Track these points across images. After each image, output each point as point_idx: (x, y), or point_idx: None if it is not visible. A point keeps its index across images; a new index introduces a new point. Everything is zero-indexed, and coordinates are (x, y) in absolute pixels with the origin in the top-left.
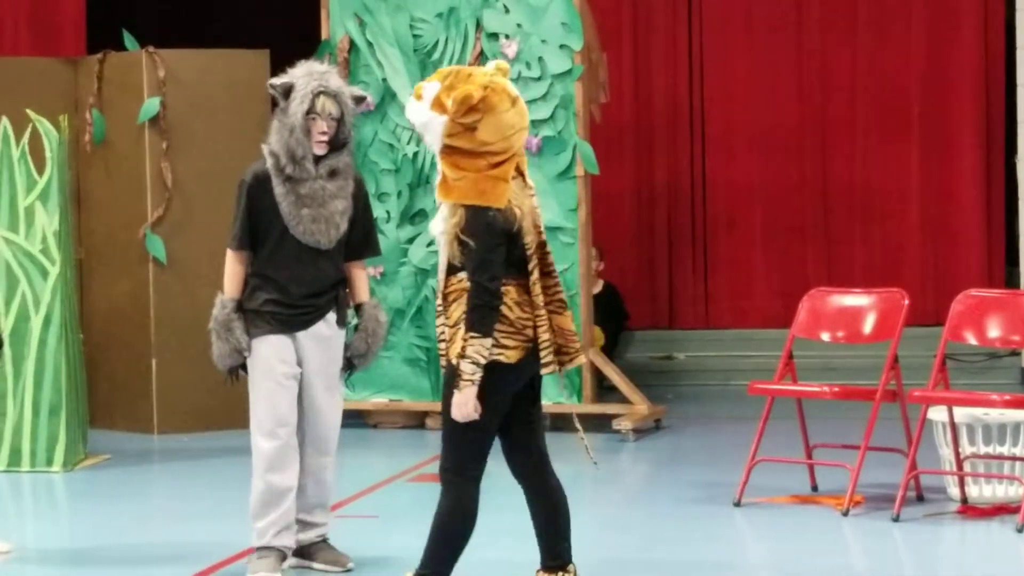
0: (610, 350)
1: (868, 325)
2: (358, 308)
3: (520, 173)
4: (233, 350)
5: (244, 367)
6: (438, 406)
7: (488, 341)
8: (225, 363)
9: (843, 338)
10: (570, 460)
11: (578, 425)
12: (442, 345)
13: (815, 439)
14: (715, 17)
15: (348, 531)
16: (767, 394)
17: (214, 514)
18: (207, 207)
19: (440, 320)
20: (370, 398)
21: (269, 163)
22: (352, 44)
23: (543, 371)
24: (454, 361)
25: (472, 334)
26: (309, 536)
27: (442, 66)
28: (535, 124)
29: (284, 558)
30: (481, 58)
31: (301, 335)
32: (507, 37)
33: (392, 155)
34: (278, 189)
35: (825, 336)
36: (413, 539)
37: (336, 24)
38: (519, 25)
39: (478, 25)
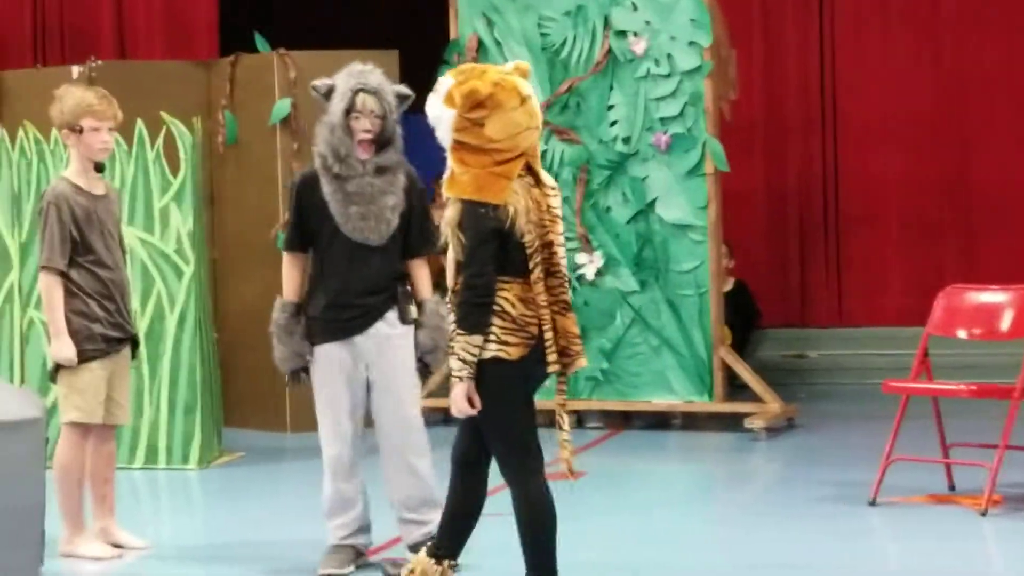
0: (741, 348)
1: (1006, 322)
2: (419, 305)
3: (533, 172)
4: (294, 354)
5: (307, 370)
6: (575, 404)
7: (476, 338)
8: (287, 366)
9: (980, 335)
10: (702, 459)
11: (565, 427)
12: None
13: (952, 438)
14: (847, 10)
15: (477, 529)
16: (902, 392)
17: None
18: None
19: (451, 318)
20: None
21: (317, 163)
22: (480, 43)
23: (548, 370)
24: None
25: (459, 331)
26: (421, 532)
27: (570, 64)
28: (664, 121)
29: (359, 555)
30: (609, 56)
31: (361, 339)
32: (635, 35)
33: None
34: (326, 188)
35: (961, 334)
36: None
37: (464, 24)
38: (647, 22)
39: (606, 23)
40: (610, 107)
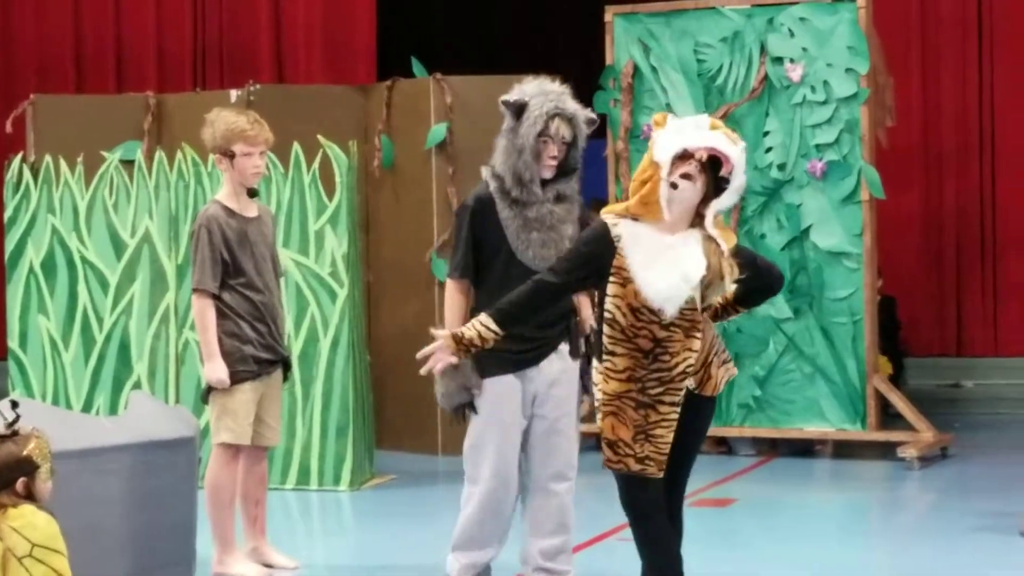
0: (893, 369)
1: None
2: (586, 339)
3: None
4: (461, 387)
5: (472, 405)
6: (727, 432)
7: None
8: (453, 402)
9: None
10: (855, 488)
11: None
12: (689, 381)
13: None
14: (1006, 37)
15: (631, 554)
16: None
17: None
18: None
19: (687, 356)
20: None
21: (493, 186)
22: (636, 69)
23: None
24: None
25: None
26: None
27: (726, 90)
28: (820, 148)
29: None
30: (765, 82)
31: (533, 372)
32: (792, 61)
33: None
34: (504, 213)
35: None
36: (695, 562)
37: (620, 50)
38: (804, 49)
39: (763, 49)
40: (766, 133)
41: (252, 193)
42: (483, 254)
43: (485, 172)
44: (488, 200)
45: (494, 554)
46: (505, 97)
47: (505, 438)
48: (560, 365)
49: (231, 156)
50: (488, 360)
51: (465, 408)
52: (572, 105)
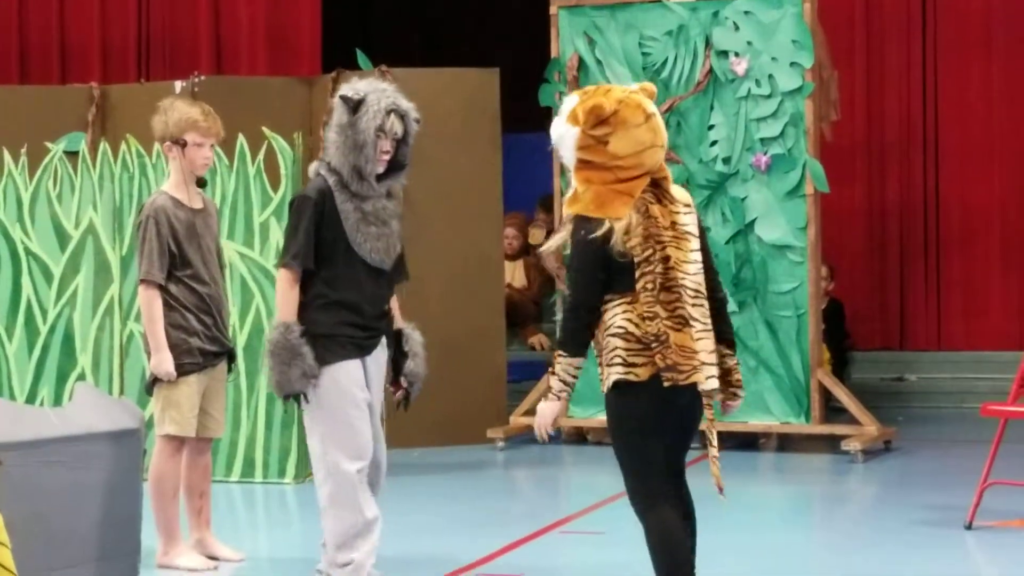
0: (836, 368)
1: None
2: (399, 333)
3: (660, 188)
4: (302, 375)
5: (306, 395)
6: None
7: (578, 360)
8: (292, 388)
9: None
10: (799, 481)
11: (714, 443)
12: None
13: None
14: (950, 33)
15: (574, 547)
16: (1000, 416)
17: (442, 529)
18: (438, 223)
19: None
20: (596, 416)
21: (331, 180)
22: (581, 62)
23: (664, 384)
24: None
25: (561, 353)
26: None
27: (671, 84)
28: (764, 142)
29: None
30: (710, 76)
31: (369, 359)
32: (737, 55)
33: None
34: (344, 207)
35: None
36: (638, 554)
37: (566, 42)
38: (749, 43)
39: (707, 43)
40: (710, 127)
41: (201, 183)
42: (323, 246)
43: (316, 167)
44: (328, 194)
45: (378, 531)
46: (343, 93)
47: (360, 416)
48: (383, 355)
49: (183, 145)
50: (331, 347)
51: (301, 396)
52: (405, 103)
